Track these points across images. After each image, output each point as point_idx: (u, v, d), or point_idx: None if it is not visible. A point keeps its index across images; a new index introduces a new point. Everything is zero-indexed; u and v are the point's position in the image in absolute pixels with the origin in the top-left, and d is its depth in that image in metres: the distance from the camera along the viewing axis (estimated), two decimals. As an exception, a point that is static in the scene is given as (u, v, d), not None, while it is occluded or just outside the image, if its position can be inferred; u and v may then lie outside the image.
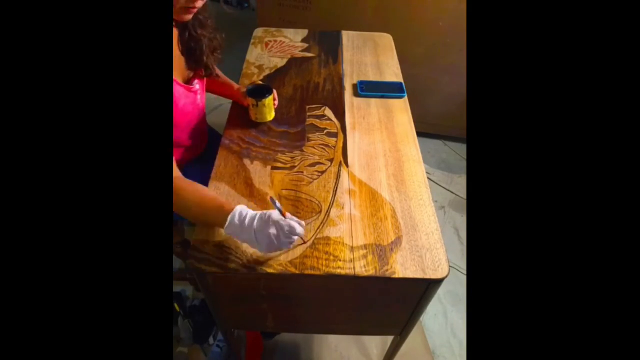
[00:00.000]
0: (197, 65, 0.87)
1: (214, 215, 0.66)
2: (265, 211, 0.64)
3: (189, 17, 0.73)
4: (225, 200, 0.69)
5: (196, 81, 0.86)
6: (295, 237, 0.62)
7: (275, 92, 0.94)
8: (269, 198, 0.66)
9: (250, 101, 0.89)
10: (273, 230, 0.61)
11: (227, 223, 0.63)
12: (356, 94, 1.04)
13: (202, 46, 0.83)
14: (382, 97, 1.04)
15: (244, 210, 0.64)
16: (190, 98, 0.84)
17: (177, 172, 0.73)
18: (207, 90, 0.97)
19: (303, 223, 0.64)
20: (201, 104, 0.91)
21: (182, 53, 0.83)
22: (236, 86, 1.00)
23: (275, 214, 0.63)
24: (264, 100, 0.88)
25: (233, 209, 0.64)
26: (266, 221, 0.62)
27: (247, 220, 0.62)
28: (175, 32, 0.80)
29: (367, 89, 1.05)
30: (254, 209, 0.73)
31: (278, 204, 0.63)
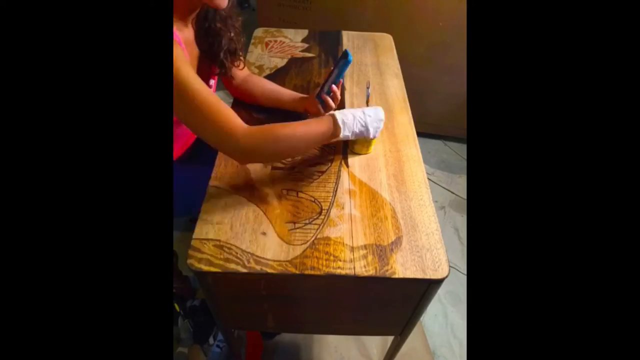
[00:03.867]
0: (212, 62, 0.85)
1: (327, 137, 0.75)
2: (360, 111, 0.77)
3: (225, 2, 0.72)
4: (316, 121, 0.74)
5: (212, 81, 0.86)
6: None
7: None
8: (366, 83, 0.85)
9: None
10: (376, 124, 0.78)
11: (344, 133, 0.75)
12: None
13: (219, 41, 0.82)
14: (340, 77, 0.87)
15: (346, 120, 0.74)
16: None
17: (257, 126, 0.70)
18: (247, 99, 0.96)
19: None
20: None
21: (200, 49, 0.83)
22: (297, 95, 0.94)
23: (369, 110, 0.77)
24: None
25: (335, 128, 0.74)
26: (374, 116, 0.77)
27: (359, 123, 0.76)
28: (192, 31, 0.80)
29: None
30: (254, 209, 0.74)
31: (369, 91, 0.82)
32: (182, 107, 0.64)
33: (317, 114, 0.87)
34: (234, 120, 0.68)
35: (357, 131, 0.77)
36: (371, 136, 0.80)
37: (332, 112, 0.76)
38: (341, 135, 0.75)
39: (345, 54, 0.77)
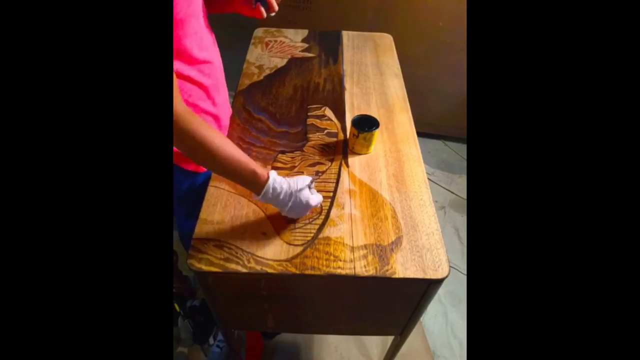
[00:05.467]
0: None
1: (247, 182, 0.65)
2: (295, 184, 0.68)
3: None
4: (254, 164, 0.64)
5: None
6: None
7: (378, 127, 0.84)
8: (314, 173, 0.80)
9: (352, 130, 0.85)
10: (303, 210, 0.70)
11: (262, 195, 0.66)
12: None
13: None
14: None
15: (276, 184, 0.66)
16: None
17: (196, 119, 0.59)
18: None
19: (321, 197, 0.73)
20: None
21: None
22: None
23: (305, 193, 0.68)
24: (365, 133, 0.83)
25: (266, 181, 0.65)
26: (299, 202, 0.68)
27: (281, 197, 0.67)
28: None
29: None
30: (254, 209, 0.73)
31: (313, 183, 0.71)
32: None
33: (250, 15, 0.80)
34: (176, 96, 0.57)
35: (272, 203, 0.69)
36: (282, 213, 0.71)
37: (268, 184, 0.65)
38: (255, 197, 0.67)
39: None
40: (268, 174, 0.66)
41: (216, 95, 0.81)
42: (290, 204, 0.67)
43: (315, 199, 0.70)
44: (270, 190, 0.65)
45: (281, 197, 0.66)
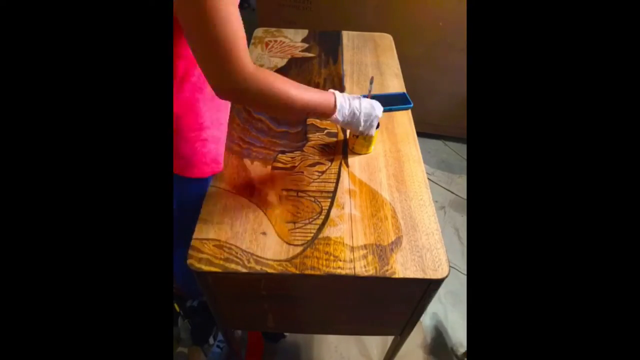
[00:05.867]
0: None
1: (321, 114, 0.74)
2: (360, 100, 0.76)
3: None
4: (323, 94, 0.73)
5: None
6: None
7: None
8: (369, 79, 0.86)
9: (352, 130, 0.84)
10: (372, 110, 0.77)
11: (337, 113, 0.74)
12: None
13: None
14: (390, 110, 0.99)
15: (345, 104, 0.74)
16: None
17: (264, 72, 0.62)
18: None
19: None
20: None
21: None
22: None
23: (372, 103, 0.78)
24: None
25: (335, 106, 0.73)
26: (366, 106, 0.77)
27: (350, 106, 0.75)
28: None
29: None
30: (254, 209, 0.73)
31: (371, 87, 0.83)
32: (200, 18, 0.53)
33: None
34: (247, 56, 0.59)
35: (348, 119, 0.76)
36: (360, 129, 0.79)
37: (334, 91, 0.75)
38: (333, 117, 0.74)
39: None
40: (334, 93, 0.74)
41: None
42: (361, 115, 0.76)
43: (379, 109, 0.79)
44: (344, 106, 0.74)
45: (352, 110, 0.75)
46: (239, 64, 0.57)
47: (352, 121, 0.77)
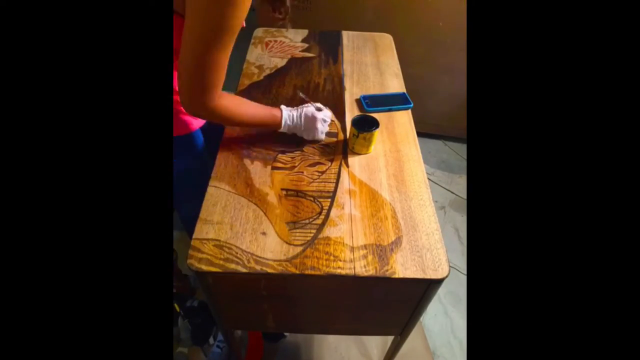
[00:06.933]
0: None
1: (269, 125, 0.85)
2: (302, 109, 0.85)
3: None
4: (269, 110, 0.83)
5: None
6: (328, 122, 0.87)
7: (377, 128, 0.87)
8: (299, 94, 0.92)
9: (352, 130, 0.85)
10: (319, 125, 0.85)
11: (284, 127, 0.84)
12: (362, 110, 1.00)
13: None
14: (389, 110, 1.00)
15: (288, 117, 0.84)
16: None
17: (228, 98, 0.73)
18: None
19: (329, 112, 0.90)
20: None
21: None
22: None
23: (309, 109, 0.85)
24: (365, 133, 0.83)
25: (281, 119, 0.83)
26: (311, 118, 0.84)
27: (294, 120, 0.84)
28: None
29: (373, 104, 1.00)
30: (254, 209, 0.73)
31: (305, 97, 0.89)
32: (194, 59, 0.62)
33: None
34: (219, 90, 0.69)
35: (292, 128, 0.85)
36: (305, 135, 0.87)
37: (283, 107, 0.85)
38: (281, 128, 0.85)
39: None
40: (280, 109, 0.84)
41: None
42: (302, 121, 0.84)
43: (321, 113, 0.85)
44: (287, 119, 0.83)
45: (294, 120, 0.84)
46: (211, 98, 0.68)
47: (295, 127, 0.85)
